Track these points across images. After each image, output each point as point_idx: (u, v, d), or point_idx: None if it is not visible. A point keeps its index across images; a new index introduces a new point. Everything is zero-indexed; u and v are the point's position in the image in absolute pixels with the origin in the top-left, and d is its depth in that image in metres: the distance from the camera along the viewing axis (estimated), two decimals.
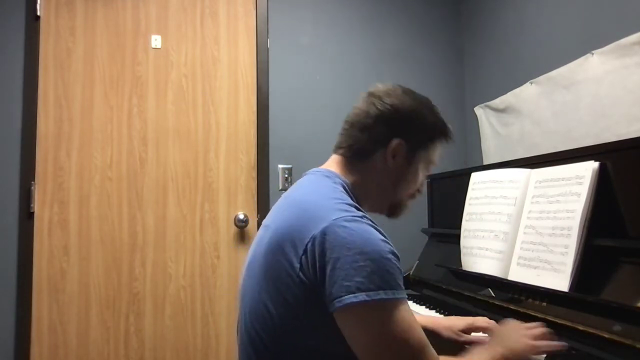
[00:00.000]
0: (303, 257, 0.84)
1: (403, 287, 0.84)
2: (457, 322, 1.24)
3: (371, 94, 1.03)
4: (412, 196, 1.08)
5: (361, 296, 0.78)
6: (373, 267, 0.80)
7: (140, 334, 2.24)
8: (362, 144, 1.01)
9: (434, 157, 1.06)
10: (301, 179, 1.05)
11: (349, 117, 1.04)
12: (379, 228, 0.87)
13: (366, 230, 0.84)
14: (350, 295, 0.78)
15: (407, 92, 1.04)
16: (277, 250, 0.88)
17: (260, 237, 1.00)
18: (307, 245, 0.84)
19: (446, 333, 1.21)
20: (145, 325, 2.25)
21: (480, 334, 1.21)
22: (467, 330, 1.22)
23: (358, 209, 0.90)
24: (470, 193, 1.66)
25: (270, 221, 0.99)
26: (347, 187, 0.98)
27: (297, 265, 0.85)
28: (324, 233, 0.83)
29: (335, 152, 1.05)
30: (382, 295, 0.79)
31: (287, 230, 0.89)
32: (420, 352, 0.82)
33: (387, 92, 1.02)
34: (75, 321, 2.19)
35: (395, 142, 0.99)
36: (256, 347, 0.92)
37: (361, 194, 1.01)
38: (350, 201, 0.92)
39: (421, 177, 1.06)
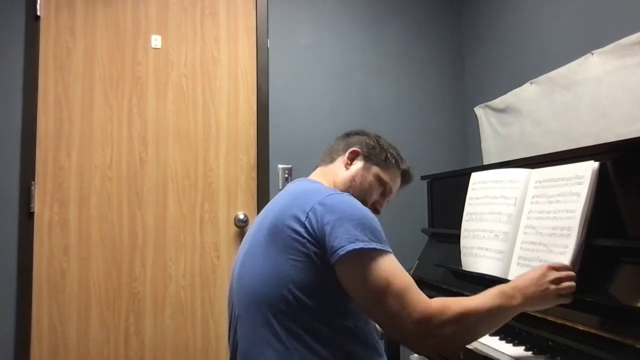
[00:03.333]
0: (306, 221, 0.99)
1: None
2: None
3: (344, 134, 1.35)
4: (374, 209, 1.23)
5: (360, 244, 0.94)
6: (366, 225, 0.98)
7: (140, 334, 2.24)
8: (330, 155, 1.29)
9: (387, 179, 1.26)
10: (287, 185, 1.25)
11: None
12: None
13: (354, 202, 1.04)
14: (351, 244, 0.94)
15: (364, 131, 1.35)
16: (282, 225, 1.02)
17: (257, 230, 1.11)
18: (307, 213, 1.00)
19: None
20: (145, 325, 2.25)
21: None
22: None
23: (341, 192, 1.11)
24: (470, 193, 1.65)
25: (262, 217, 1.13)
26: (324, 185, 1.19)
27: (302, 230, 0.99)
28: (321, 202, 1.01)
29: (320, 162, 1.31)
30: (375, 245, 0.95)
31: (286, 209, 1.04)
32: (410, 288, 0.93)
33: (351, 131, 1.35)
34: (75, 321, 2.19)
35: (352, 149, 1.26)
36: (275, 312, 0.99)
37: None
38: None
39: (376, 193, 1.25)
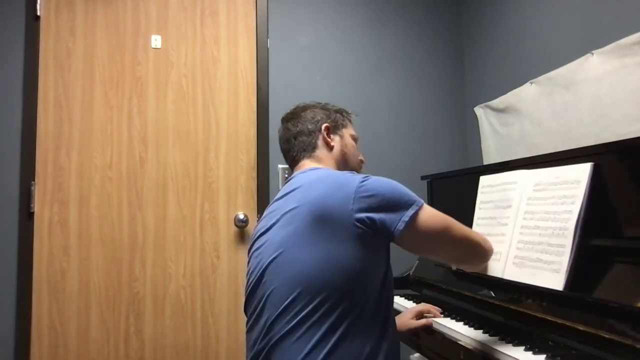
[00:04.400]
0: (354, 202, 1.06)
1: None
2: (404, 317, 1.48)
3: (284, 120, 1.38)
4: (360, 163, 1.40)
5: (414, 207, 1.09)
6: (403, 192, 1.11)
7: (140, 334, 2.24)
8: (307, 143, 1.32)
9: (354, 132, 1.40)
10: (293, 180, 1.25)
11: (283, 139, 1.36)
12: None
13: (379, 179, 1.13)
14: (409, 210, 1.08)
15: (306, 104, 1.39)
16: (327, 212, 1.07)
17: (291, 216, 1.13)
18: (353, 195, 1.07)
19: (402, 328, 1.45)
20: (145, 325, 2.25)
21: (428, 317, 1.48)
22: (418, 316, 1.48)
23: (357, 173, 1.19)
24: (479, 197, 1.65)
25: (294, 204, 1.14)
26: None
27: (353, 215, 1.05)
28: (361, 183, 1.09)
29: (297, 162, 1.32)
30: (415, 206, 1.10)
31: (324, 199, 1.09)
32: (466, 228, 1.18)
33: (294, 111, 1.38)
34: (75, 321, 2.19)
35: (324, 126, 1.32)
36: (328, 297, 1.04)
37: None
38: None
39: (355, 147, 1.38)
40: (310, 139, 1.32)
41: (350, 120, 1.41)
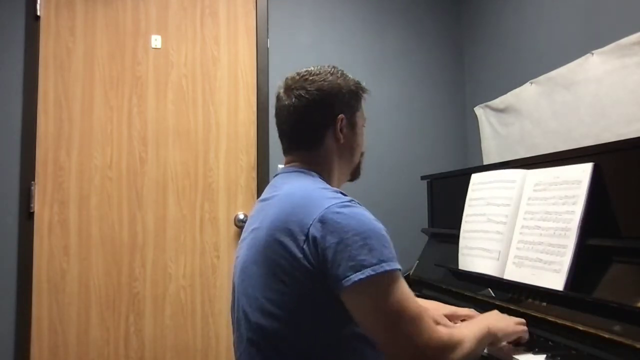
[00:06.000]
0: (305, 245, 0.89)
1: (397, 260, 0.90)
2: (442, 308, 1.30)
3: (290, 88, 1.09)
4: (362, 155, 1.18)
5: (367, 272, 0.85)
6: (371, 244, 0.87)
7: (140, 334, 2.24)
8: (311, 135, 1.08)
9: (364, 113, 1.17)
10: (274, 181, 1.10)
11: (285, 118, 1.10)
12: (366, 210, 0.94)
13: (358, 213, 0.91)
14: (358, 273, 0.85)
15: (316, 72, 1.10)
16: (276, 245, 0.92)
17: (252, 239, 1.00)
18: (306, 233, 0.89)
19: (431, 313, 1.26)
20: (145, 325, 2.25)
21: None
22: (450, 318, 1.27)
23: (343, 194, 0.97)
24: (470, 194, 1.66)
25: (257, 224, 1.01)
26: (320, 175, 1.06)
27: (300, 255, 0.89)
28: (321, 220, 0.89)
29: (290, 153, 1.12)
30: (385, 267, 0.86)
31: (282, 224, 0.92)
32: (423, 314, 0.88)
33: (305, 80, 1.08)
34: (75, 321, 2.19)
35: (339, 117, 1.08)
36: (272, 343, 0.92)
37: (328, 176, 1.09)
38: (334, 188, 1.01)
39: (364, 136, 1.16)
40: (315, 133, 1.07)
41: (361, 100, 1.16)
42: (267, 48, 2.45)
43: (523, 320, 1.14)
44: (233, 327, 1.07)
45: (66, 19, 2.27)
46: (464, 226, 1.62)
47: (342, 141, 1.09)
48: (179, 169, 2.34)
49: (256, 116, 2.42)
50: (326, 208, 0.90)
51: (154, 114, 2.33)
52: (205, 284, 2.32)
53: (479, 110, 2.51)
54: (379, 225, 0.91)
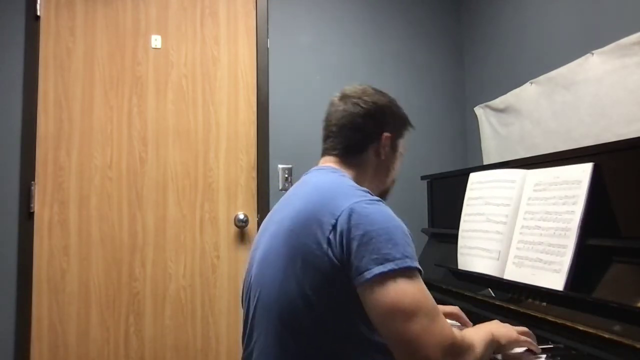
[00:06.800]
0: (331, 235, 0.90)
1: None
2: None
3: (347, 96, 1.14)
4: (394, 182, 1.21)
5: (390, 265, 0.86)
6: (396, 239, 0.89)
7: (140, 334, 2.24)
8: (356, 142, 1.12)
9: (406, 144, 1.21)
10: (306, 177, 1.12)
11: (336, 120, 1.13)
12: (391, 211, 0.96)
13: (385, 211, 0.93)
14: (380, 266, 0.86)
15: (377, 90, 1.18)
16: (302, 233, 0.93)
17: (276, 229, 1.01)
18: (333, 224, 0.91)
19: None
20: (145, 325, 2.25)
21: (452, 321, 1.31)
22: None
23: (371, 194, 0.98)
24: (468, 193, 1.66)
25: (283, 214, 1.02)
26: (351, 179, 1.07)
27: (325, 246, 0.90)
28: (349, 213, 0.90)
29: (328, 154, 1.14)
30: (408, 262, 0.87)
31: (310, 214, 0.94)
32: (439, 313, 0.88)
33: (363, 92, 1.15)
34: (75, 321, 2.19)
35: (385, 135, 1.12)
36: (292, 331, 0.93)
37: (359, 183, 1.08)
38: (363, 187, 1.01)
39: (400, 165, 1.20)
40: (361, 141, 1.11)
41: (406, 130, 1.21)
42: (267, 48, 2.45)
43: (526, 330, 1.11)
44: (245, 315, 1.08)
45: (66, 19, 2.27)
46: (463, 225, 1.63)
47: (382, 157, 1.12)
48: (179, 169, 2.34)
49: (256, 116, 2.42)
50: (355, 202, 0.92)
51: (154, 114, 2.33)
52: (205, 284, 2.32)
53: (479, 110, 2.51)
54: (404, 226, 0.93)
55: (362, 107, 1.11)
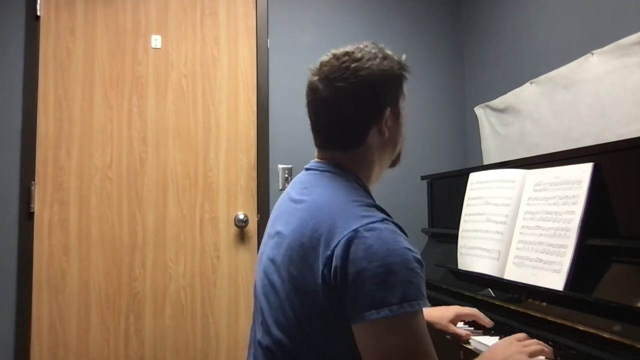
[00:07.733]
0: (325, 270, 0.82)
1: (424, 294, 0.82)
2: (446, 312, 1.26)
3: (328, 78, 0.99)
4: (403, 144, 1.06)
5: (384, 312, 0.77)
6: (395, 279, 0.78)
7: (140, 334, 2.24)
8: (351, 132, 0.96)
9: (405, 95, 1.02)
10: (306, 177, 1.01)
11: (324, 114, 1.01)
12: (400, 231, 0.86)
13: (388, 239, 0.82)
14: (373, 311, 0.78)
15: (356, 57, 0.98)
16: (297, 260, 0.87)
17: (277, 244, 0.95)
18: (329, 256, 0.82)
19: (437, 325, 1.23)
20: (145, 325, 2.25)
21: (464, 325, 1.30)
22: (455, 320, 1.25)
23: (378, 208, 0.89)
24: (468, 194, 1.66)
25: (283, 227, 0.95)
26: (357, 177, 0.97)
27: (320, 281, 0.83)
28: (346, 244, 0.81)
29: (324, 149, 1.02)
30: (406, 308, 0.78)
31: (306, 240, 0.86)
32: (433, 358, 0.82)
33: (344, 69, 0.97)
34: (75, 321, 2.19)
35: (385, 112, 0.96)
36: (284, 354, 0.89)
37: (367, 176, 1.00)
38: (369, 200, 0.92)
39: (405, 120, 1.03)
40: (357, 130, 0.96)
41: (405, 84, 1.02)
42: (267, 48, 2.45)
43: (533, 348, 1.03)
44: (253, 322, 1.03)
45: (66, 19, 2.27)
46: (463, 225, 1.63)
47: (386, 135, 0.97)
48: (179, 169, 2.34)
49: (256, 116, 2.42)
50: (353, 230, 0.82)
51: (154, 114, 2.33)
52: (205, 284, 2.32)
53: (479, 110, 2.51)
54: (410, 254, 0.81)
55: (348, 90, 0.94)
